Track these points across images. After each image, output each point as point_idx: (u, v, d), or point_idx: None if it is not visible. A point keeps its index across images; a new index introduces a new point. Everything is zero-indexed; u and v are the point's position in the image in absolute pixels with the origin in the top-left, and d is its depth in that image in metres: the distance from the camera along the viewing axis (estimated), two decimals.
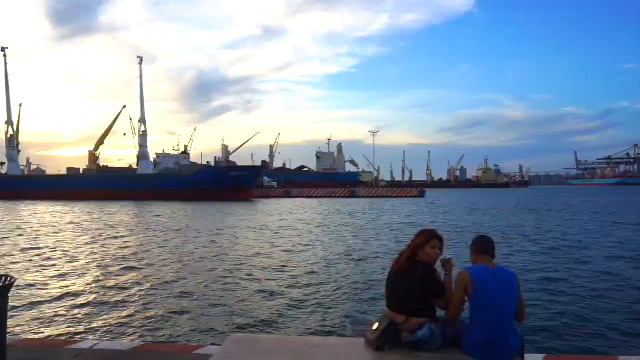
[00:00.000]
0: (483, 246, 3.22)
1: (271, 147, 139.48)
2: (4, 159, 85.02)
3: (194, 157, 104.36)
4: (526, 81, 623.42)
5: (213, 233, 21.83)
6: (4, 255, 15.07)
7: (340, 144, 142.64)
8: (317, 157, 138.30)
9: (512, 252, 14.91)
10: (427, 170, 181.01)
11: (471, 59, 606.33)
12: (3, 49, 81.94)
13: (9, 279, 3.47)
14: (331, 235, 20.96)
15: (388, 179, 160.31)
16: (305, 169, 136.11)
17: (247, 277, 11.20)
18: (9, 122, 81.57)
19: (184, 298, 9.09)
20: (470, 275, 3.03)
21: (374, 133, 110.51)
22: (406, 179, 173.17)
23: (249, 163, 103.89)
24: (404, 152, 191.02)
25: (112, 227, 25.21)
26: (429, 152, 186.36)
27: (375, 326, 3.13)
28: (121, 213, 37.77)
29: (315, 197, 78.12)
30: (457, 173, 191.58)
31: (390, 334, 3.06)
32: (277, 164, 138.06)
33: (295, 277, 11.23)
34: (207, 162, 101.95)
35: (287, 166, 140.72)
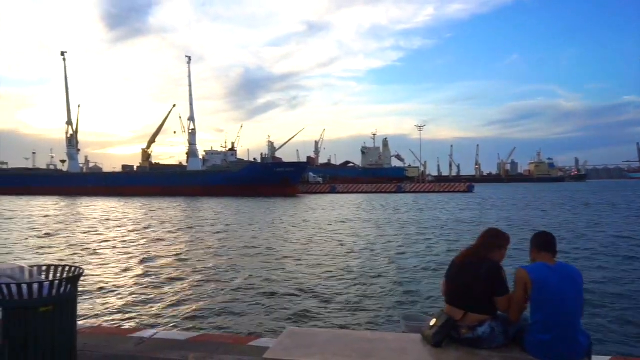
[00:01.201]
0: (543, 242, 3.07)
1: (316, 142, 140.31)
2: (65, 157, 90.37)
3: (241, 153, 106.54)
4: (582, 69, 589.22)
5: (262, 228, 22.22)
6: (71, 247, 16.00)
7: (385, 138, 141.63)
8: (363, 153, 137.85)
9: (568, 250, 14.26)
10: (476, 164, 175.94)
11: (521, 48, 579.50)
12: (63, 53, 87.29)
13: (77, 269, 3.68)
14: (380, 231, 20.81)
15: (435, 173, 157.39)
16: (351, 165, 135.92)
17: (297, 271, 11.33)
18: (69, 123, 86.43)
19: (237, 291, 9.30)
20: (528, 273, 2.91)
21: (420, 127, 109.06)
22: (454, 173, 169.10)
23: (294, 159, 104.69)
24: (451, 146, 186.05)
25: (166, 221, 26.18)
26: (478, 145, 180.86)
27: (433, 322, 3.07)
28: (173, 208, 39.15)
29: (361, 192, 77.82)
30: (508, 167, 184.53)
31: (448, 329, 3.00)
32: (322, 159, 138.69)
33: (345, 271, 11.23)
34: (254, 159, 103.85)
35: (332, 162, 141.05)
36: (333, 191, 79.44)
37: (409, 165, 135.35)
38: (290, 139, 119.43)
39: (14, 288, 3.20)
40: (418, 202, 47.53)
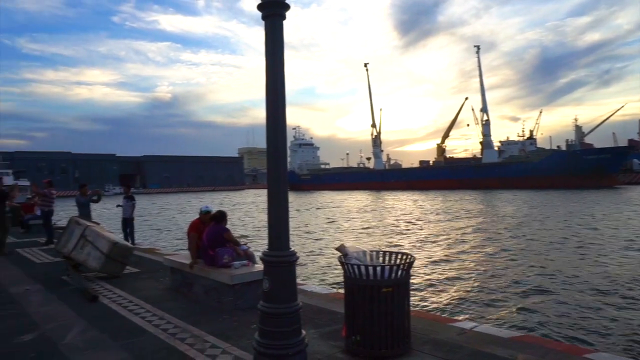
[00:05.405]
0: None
1: None
2: (371, 156, 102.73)
3: (541, 142, 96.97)
4: None
5: (587, 228, 19.10)
6: (400, 236, 17.84)
7: None
8: None
9: None
10: None
11: None
12: (365, 65, 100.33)
13: (410, 257, 4.01)
14: None
15: None
16: None
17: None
18: (373, 125, 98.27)
19: (560, 295, 8.46)
20: None
21: None
22: None
23: (609, 144, 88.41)
24: None
25: (474, 216, 26.04)
26: None
27: None
28: (472, 202, 38.87)
29: None
30: None
31: None
32: None
33: None
34: (558, 147, 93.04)
35: None
36: None
37: None
38: (603, 121, 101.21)
39: (362, 269, 3.74)
40: None
